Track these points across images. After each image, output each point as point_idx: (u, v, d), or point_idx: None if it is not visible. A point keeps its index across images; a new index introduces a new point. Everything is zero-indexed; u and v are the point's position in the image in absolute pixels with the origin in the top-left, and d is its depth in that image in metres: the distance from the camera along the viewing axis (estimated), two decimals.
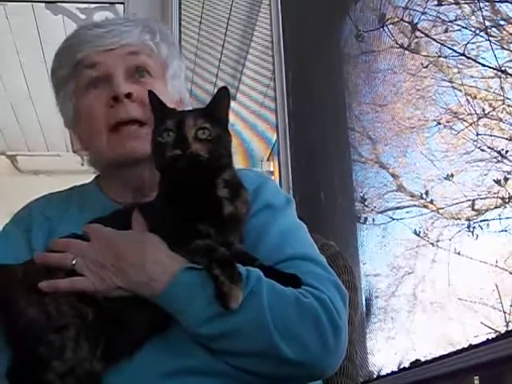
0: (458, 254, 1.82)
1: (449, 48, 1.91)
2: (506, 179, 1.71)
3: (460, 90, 1.91)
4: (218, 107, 1.14)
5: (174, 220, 1.11)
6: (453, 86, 1.94)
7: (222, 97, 1.15)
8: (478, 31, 1.82)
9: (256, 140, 3.28)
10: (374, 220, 2.23)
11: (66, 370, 1.03)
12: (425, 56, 1.99)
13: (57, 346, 1.04)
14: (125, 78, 1.29)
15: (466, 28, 1.88)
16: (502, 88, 1.77)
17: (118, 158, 1.28)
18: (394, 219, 2.15)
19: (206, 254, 1.06)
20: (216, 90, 1.16)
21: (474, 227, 1.80)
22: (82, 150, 1.39)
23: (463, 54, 1.84)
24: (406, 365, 1.78)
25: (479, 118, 1.81)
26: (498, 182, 1.72)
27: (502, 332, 1.58)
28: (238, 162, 3.15)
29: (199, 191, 1.10)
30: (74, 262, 1.11)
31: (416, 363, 1.71)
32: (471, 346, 1.43)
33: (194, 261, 1.07)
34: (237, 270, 1.04)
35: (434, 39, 1.96)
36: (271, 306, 1.05)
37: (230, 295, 1.02)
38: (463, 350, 1.46)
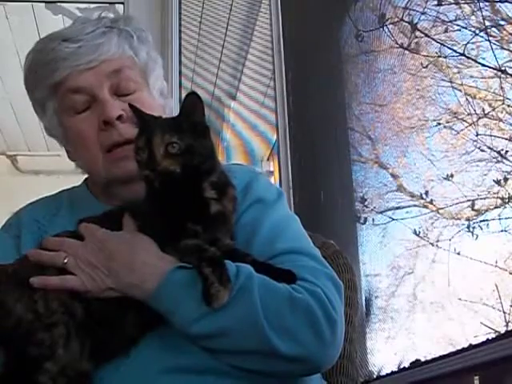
0: (458, 254, 1.82)
1: (449, 48, 1.91)
2: (506, 179, 1.71)
3: (460, 90, 1.91)
4: (187, 116, 1.11)
5: (162, 219, 1.12)
6: (452, 86, 1.94)
7: (191, 104, 1.11)
8: (477, 31, 1.82)
9: (256, 140, 3.28)
10: (373, 220, 2.23)
11: (58, 370, 1.03)
12: (425, 56, 1.99)
13: (47, 344, 1.04)
14: (111, 96, 1.28)
15: (465, 28, 1.88)
16: (501, 88, 1.77)
17: (114, 179, 1.28)
18: (393, 219, 2.15)
19: (196, 254, 1.06)
20: (184, 97, 1.12)
21: (473, 227, 1.80)
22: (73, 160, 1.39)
23: (463, 54, 1.84)
24: (406, 365, 1.78)
25: (479, 118, 1.81)
26: (497, 182, 1.72)
27: (502, 332, 1.59)
28: (239, 162, 3.16)
29: (186, 196, 1.10)
30: (65, 261, 1.12)
31: (416, 363, 1.71)
32: (471, 346, 1.44)
33: (184, 260, 1.07)
34: (226, 270, 1.04)
35: (434, 39, 1.96)
36: (263, 302, 1.05)
37: (215, 295, 1.02)
38: (463, 350, 1.47)
